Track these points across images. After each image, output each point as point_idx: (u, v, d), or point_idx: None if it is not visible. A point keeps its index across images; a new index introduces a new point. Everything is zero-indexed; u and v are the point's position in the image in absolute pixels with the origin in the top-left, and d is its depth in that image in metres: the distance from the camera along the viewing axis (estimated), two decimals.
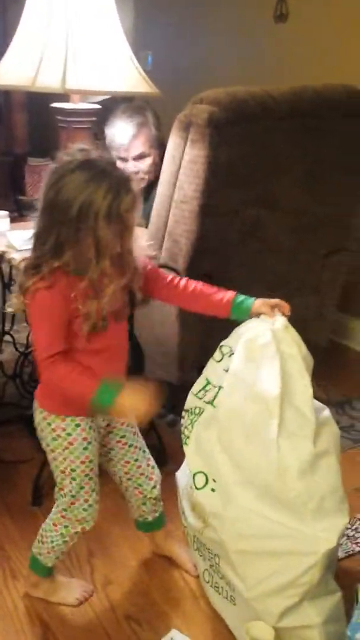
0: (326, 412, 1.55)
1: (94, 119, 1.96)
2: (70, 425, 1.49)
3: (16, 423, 2.35)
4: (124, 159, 2.48)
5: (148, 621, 1.62)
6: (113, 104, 2.51)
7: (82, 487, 1.54)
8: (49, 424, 1.50)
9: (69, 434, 1.49)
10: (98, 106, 1.99)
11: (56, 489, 1.59)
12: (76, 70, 1.82)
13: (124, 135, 2.42)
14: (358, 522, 1.92)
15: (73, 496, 1.55)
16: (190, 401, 1.59)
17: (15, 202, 4.72)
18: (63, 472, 1.53)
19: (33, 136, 4.92)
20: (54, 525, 1.59)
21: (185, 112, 2.03)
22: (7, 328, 2.34)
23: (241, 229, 2.19)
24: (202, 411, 1.54)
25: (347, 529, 1.90)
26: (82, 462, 1.52)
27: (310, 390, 1.47)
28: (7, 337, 2.37)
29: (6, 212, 2.26)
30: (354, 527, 1.90)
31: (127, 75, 1.91)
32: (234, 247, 2.21)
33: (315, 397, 1.60)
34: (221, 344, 1.58)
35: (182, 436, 1.57)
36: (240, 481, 1.44)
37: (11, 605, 1.67)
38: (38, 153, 4.81)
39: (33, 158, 4.77)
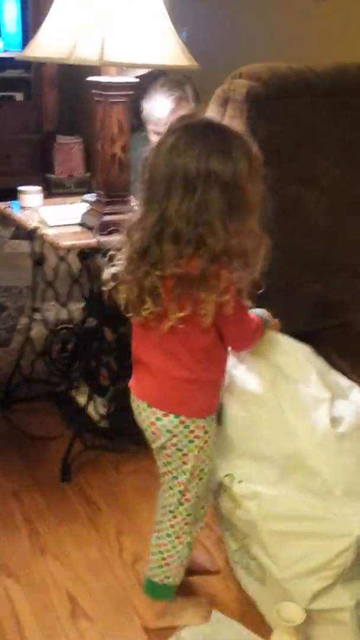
0: (355, 391, 1.53)
1: (131, 92, 1.93)
2: (209, 421, 1.43)
3: (45, 400, 2.36)
4: (161, 134, 2.44)
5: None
6: (149, 79, 2.47)
7: (205, 485, 1.48)
8: (187, 427, 1.39)
9: (206, 432, 1.42)
10: (136, 80, 1.95)
11: (173, 500, 1.46)
12: (114, 43, 1.78)
13: (162, 109, 2.39)
14: None
15: (198, 497, 1.47)
16: None
17: (43, 179, 4.71)
18: (192, 474, 1.43)
19: (62, 113, 4.89)
20: (178, 538, 1.48)
21: (224, 86, 1.99)
22: (36, 305, 2.33)
23: (279, 208, 2.14)
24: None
25: None
26: (211, 460, 1.47)
27: (311, 368, 1.46)
28: (36, 315, 2.36)
29: (39, 188, 2.24)
30: None
31: (167, 48, 1.86)
32: (270, 226, 2.17)
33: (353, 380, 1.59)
34: None
35: None
36: (267, 477, 1.44)
37: (39, 579, 1.67)
38: (67, 130, 4.79)
39: (62, 136, 4.75)
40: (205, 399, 1.41)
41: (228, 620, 1.56)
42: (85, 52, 1.81)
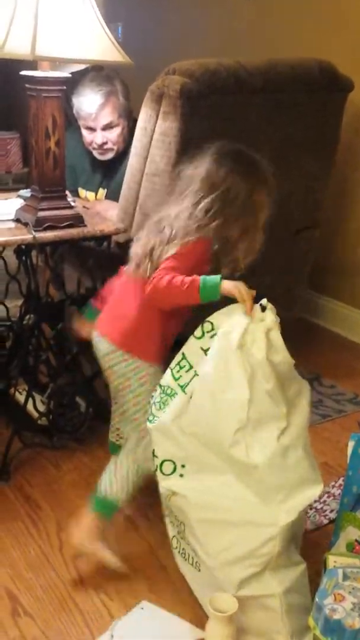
0: (306, 391, 1.53)
1: (64, 87, 1.92)
2: (154, 372, 1.64)
3: None
4: (92, 129, 2.44)
5: (117, 592, 1.62)
6: (81, 75, 2.46)
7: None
8: (141, 371, 1.64)
9: (148, 374, 1.64)
10: (69, 75, 1.94)
11: (134, 426, 1.68)
12: (46, 37, 1.77)
13: (92, 104, 2.38)
14: (326, 496, 1.94)
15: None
16: (167, 377, 1.55)
17: None
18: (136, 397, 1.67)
19: None
20: (127, 458, 1.67)
21: (157, 83, 2.00)
22: None
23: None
24: (175, 394, 1.51)
25: (316, 502, 1.92)
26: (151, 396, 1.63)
27: (267, 399, 1.42)
28: None
29: None
30: (322, 500, 1.92)
31: (99, 44, 1.86)
32: None
33: None
34: (206, 319, 1.54)
35: (152, 410, 1.56)
36: (211, 468, 1.44)
37: None
38: (4, 126, 4.71)
39: None
40: (153, 347, 1.64)
41: (159, 611, 1.57)
42: (16, 46, 1.80)
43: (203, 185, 1.58)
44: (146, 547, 1.77)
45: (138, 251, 1.65)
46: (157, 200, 2.06)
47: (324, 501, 1.93)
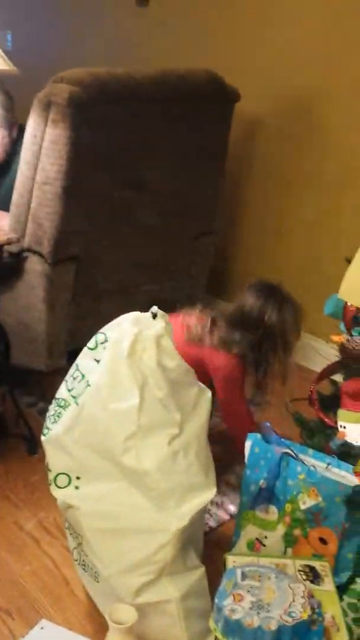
0: (204, 397, 1.52)
1: None
2: None
3: None
4: None
5: (19, 611, 1.58)
6: None
7: None
8: None
9: None
10: None
11: None
12: None
13: None
14: (224, 485, 1.97)
15: None
16: (61, 389, 1.52)
17: None
18: None
19: None
20: None
21: (45, 91, 1.98)
22: None
23: (110, 211, 2.17)
24: (68, 405, 1.48)
25: (215, 496, 1.93)
26: None
27: (159, 406, 1.41)
28: None
29: None
30: (222, 492, 1.94)
31: None
32: (102, 230, 2.19)
33: None
34: (99, 331, 1.51)
35: (46, 423, 1.52)
36: (106, 478, 1.43)
37: None
38: None
39: None
40: None
41: (59, 629, 1.54)
42: None
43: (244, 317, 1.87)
44: (48, 561, 1.74)
45: (190, 322, 1.91)
46: (49, 210, 2.03)
47: (223, 492, 1.94)
